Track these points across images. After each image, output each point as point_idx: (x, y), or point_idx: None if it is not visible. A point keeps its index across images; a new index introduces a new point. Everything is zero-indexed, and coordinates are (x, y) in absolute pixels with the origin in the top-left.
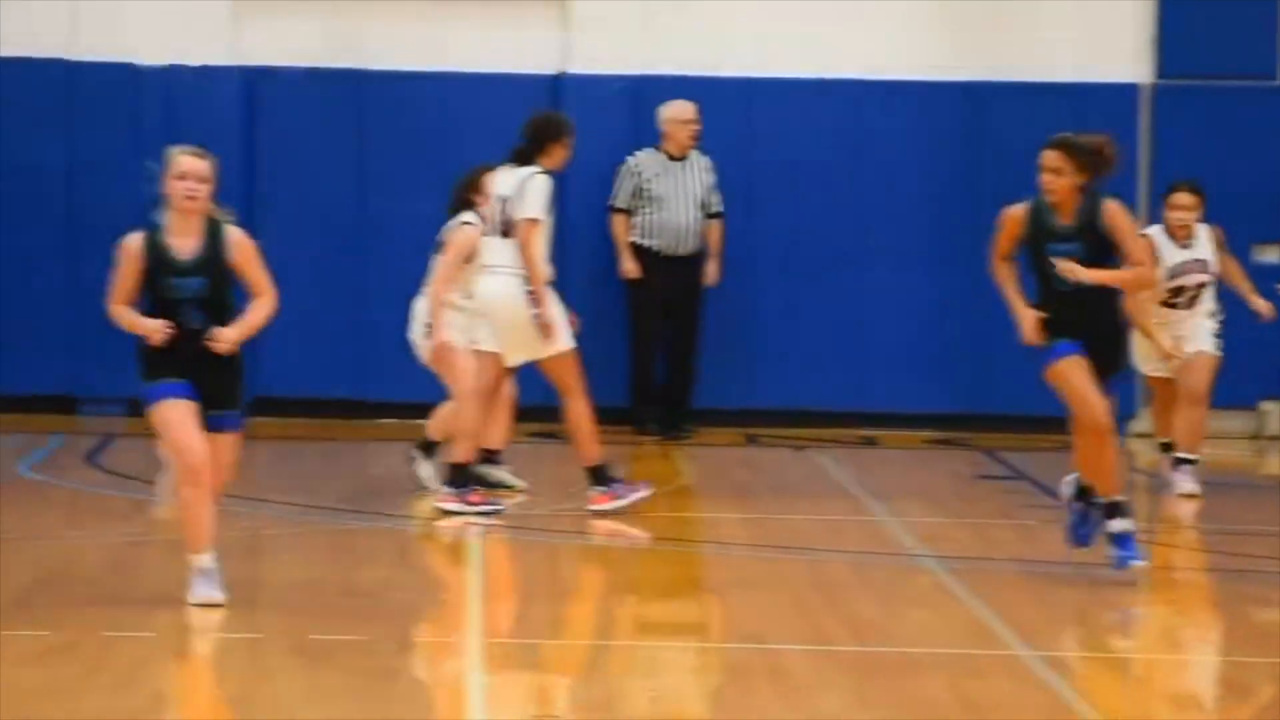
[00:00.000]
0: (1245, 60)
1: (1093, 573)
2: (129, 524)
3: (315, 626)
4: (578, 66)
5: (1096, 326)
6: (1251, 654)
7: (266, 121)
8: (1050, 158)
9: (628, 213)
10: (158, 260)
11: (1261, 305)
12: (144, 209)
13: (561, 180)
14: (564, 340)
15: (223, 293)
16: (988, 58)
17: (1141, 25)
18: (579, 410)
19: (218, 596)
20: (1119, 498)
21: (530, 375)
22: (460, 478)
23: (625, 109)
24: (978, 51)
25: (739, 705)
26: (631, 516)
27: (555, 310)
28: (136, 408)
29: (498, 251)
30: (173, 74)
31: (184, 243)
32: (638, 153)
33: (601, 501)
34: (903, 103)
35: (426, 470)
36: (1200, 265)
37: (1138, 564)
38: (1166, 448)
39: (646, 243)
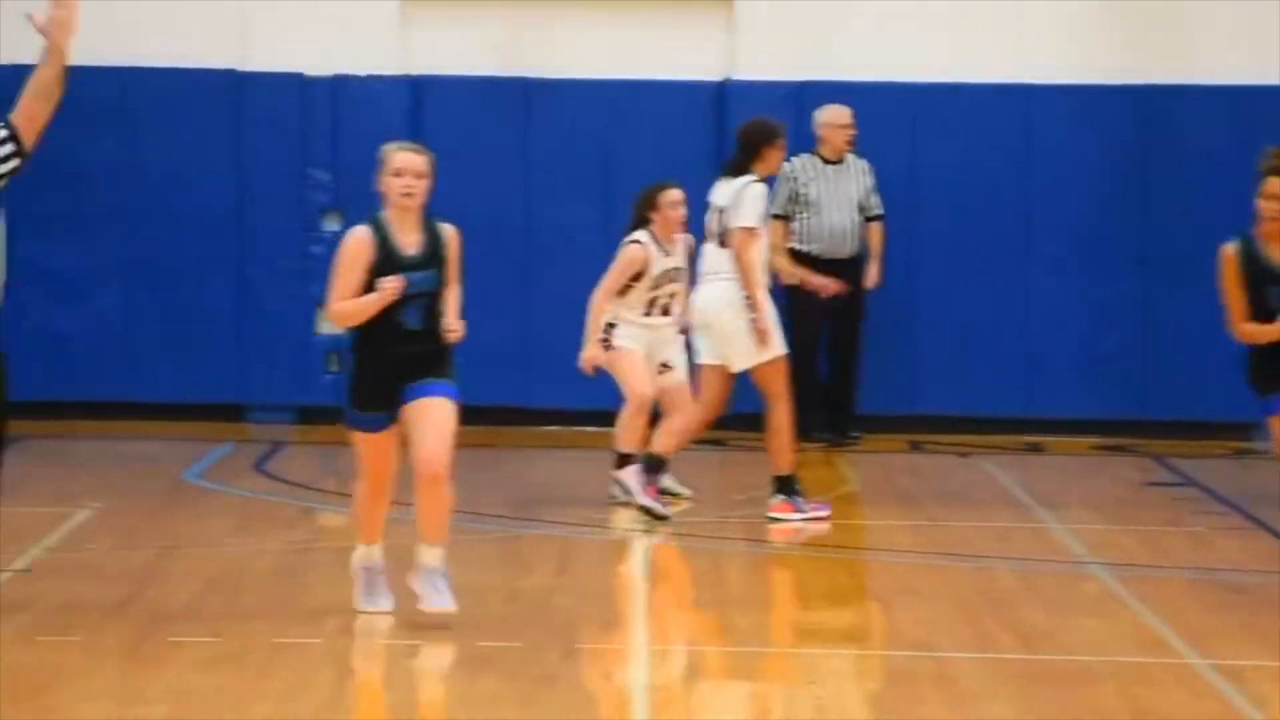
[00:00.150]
0: None
1: (1264, 580)
2: (296, 531)
3: (479, 633)
4: (742, 73)
5: None
6: None
7: (433, 130)
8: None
9: (785, 219)
10: (386, 255)
11: None
12: (312, 219)
13: None
14: (779, 346)
15: (443, 288)
16: (1157, 60)
17: None
18: (782, 417)
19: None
20: None
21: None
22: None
23: (789, 115)
24: (1147, 54)
25: (905, 713)
26: (799, 523)
27: (771, 316)
28: (305, 415)
29: (716, 259)
30: (340, 84)
31: (408, 238)
32: (793, 159)
33: (783, 510)
34: (1070, 106)
35: (670, 481)
36: None
37: None
38: None
39: (804, 248)
